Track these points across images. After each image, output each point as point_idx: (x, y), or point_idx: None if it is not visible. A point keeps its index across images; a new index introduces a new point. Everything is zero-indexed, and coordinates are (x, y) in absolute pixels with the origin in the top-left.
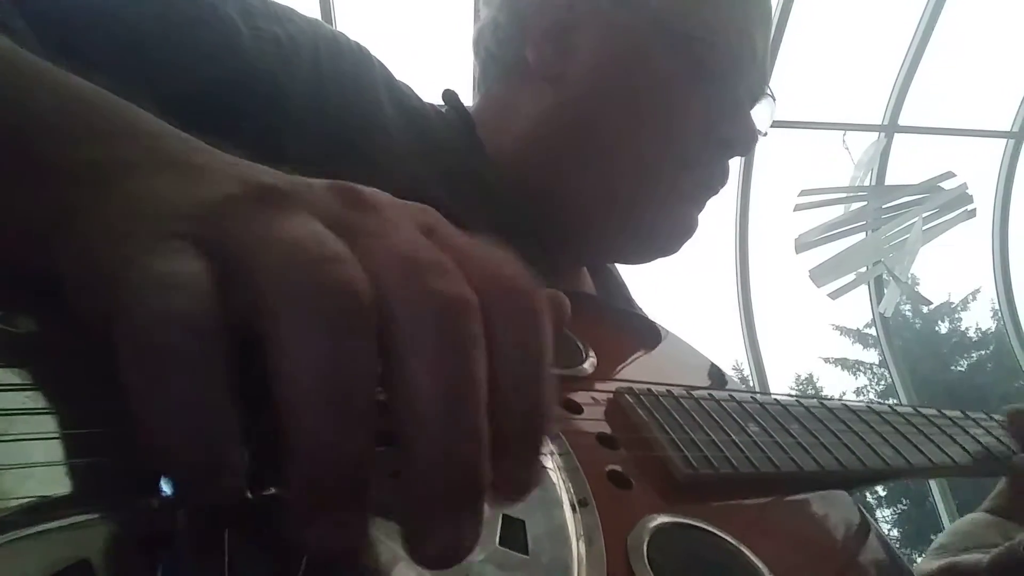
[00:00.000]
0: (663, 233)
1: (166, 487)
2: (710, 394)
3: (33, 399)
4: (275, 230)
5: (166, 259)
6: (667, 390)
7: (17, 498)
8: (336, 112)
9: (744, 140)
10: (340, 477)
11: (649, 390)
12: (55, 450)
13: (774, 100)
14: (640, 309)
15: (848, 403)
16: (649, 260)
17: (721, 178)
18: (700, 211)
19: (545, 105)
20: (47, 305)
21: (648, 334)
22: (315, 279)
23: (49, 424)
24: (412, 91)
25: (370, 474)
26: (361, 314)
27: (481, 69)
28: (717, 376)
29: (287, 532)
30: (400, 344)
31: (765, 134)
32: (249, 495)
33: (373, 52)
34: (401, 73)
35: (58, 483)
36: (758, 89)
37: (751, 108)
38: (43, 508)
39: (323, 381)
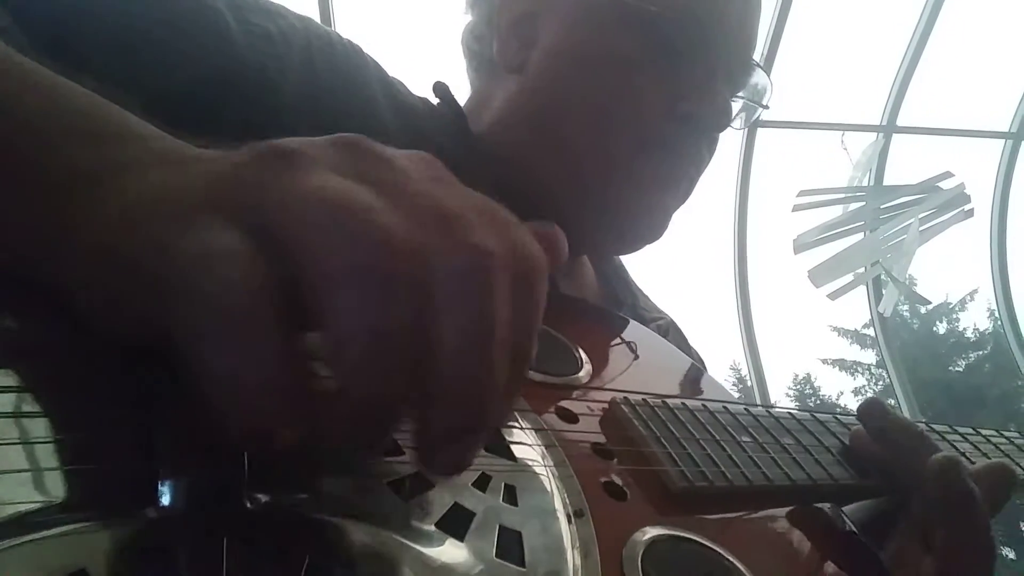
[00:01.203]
0: (635, 219)
1: (164, 495)
2: (704, 405)
3: (27, 402)
4: (301, 188)
5: (205, 234)
6: (662, 401)
7: (13, 504)
8: (329, 108)
9: (712, 116)
10: (389, 403)
11: (644, 401)
12: (52, 456)
13: (767, 74)
14: (642, 294)
15: (840, 416)
16: (631, 249)
17: (693, 160)
18: (676, 198)
19: (508, 94)
20: (44, 308)
21: (644, 341)
22: (359, 229)
23: (45, 429)
24: (405, 86)
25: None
26: (406, 259)
27: (467, 66)
28: (711, 385)
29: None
30: (439, 291)
31: (767, 106)
32: (248, 504)
33: (368, 51)
34: (397, 71)
35: (55, 490)
36: (735, 62)
37: (729, 83)
38: (40, 516)
39: (377, 324)
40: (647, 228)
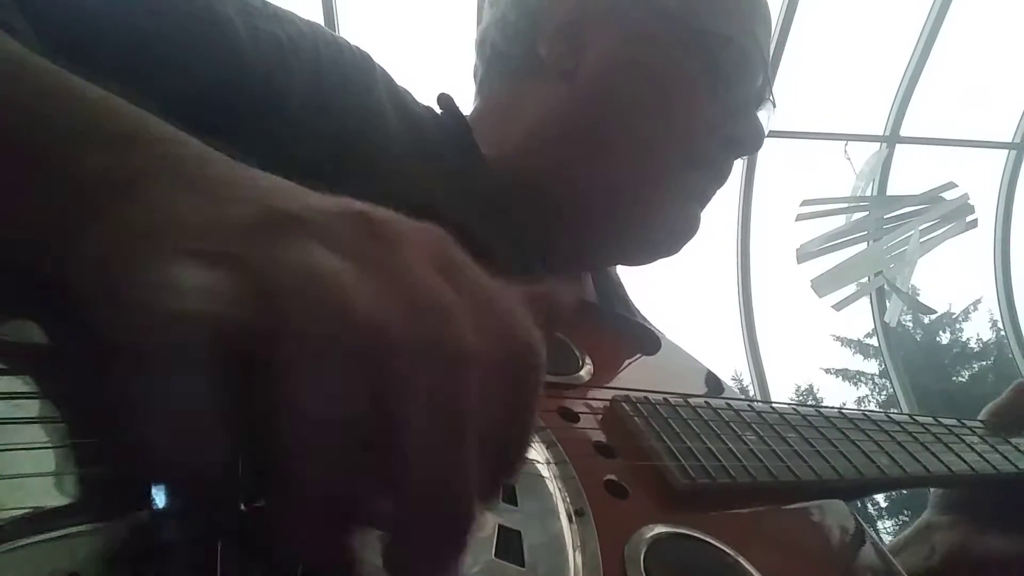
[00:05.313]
0: (668, 230)
1: (158, 499)
2: (707, 402)
3: (23, 408)
4: (291, 261)
5: (182, 266)
6: (664, 398)
7: (6, 509)
8: (337, 113)
9: (753, 139)
10: (333, 501)
11: (646, 398)
12: (45, 461)
13: (774, 107)
14: (639, 313)
15: (845, 411)
16: (651, 260)
17: (725, 177)
18: (702, 209)
19: (555, 101)
20: (47, 313)
21: (646, 342)
22: (330, 316)
23: (40, 434)
24: (412, 96)
25: (365, 506)
26: (364, 335)
27: (485, 69)
28: (714, 384)
29: (278, 544)
30: (400, 376)
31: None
32: (242, 507)
33: (375, 57)
34: (403, 77)
35: (48, 494)
36: (763, 92)
37: (756, 111)
38: (33, 520)
39: (324, 416)
40: (677, 239)
